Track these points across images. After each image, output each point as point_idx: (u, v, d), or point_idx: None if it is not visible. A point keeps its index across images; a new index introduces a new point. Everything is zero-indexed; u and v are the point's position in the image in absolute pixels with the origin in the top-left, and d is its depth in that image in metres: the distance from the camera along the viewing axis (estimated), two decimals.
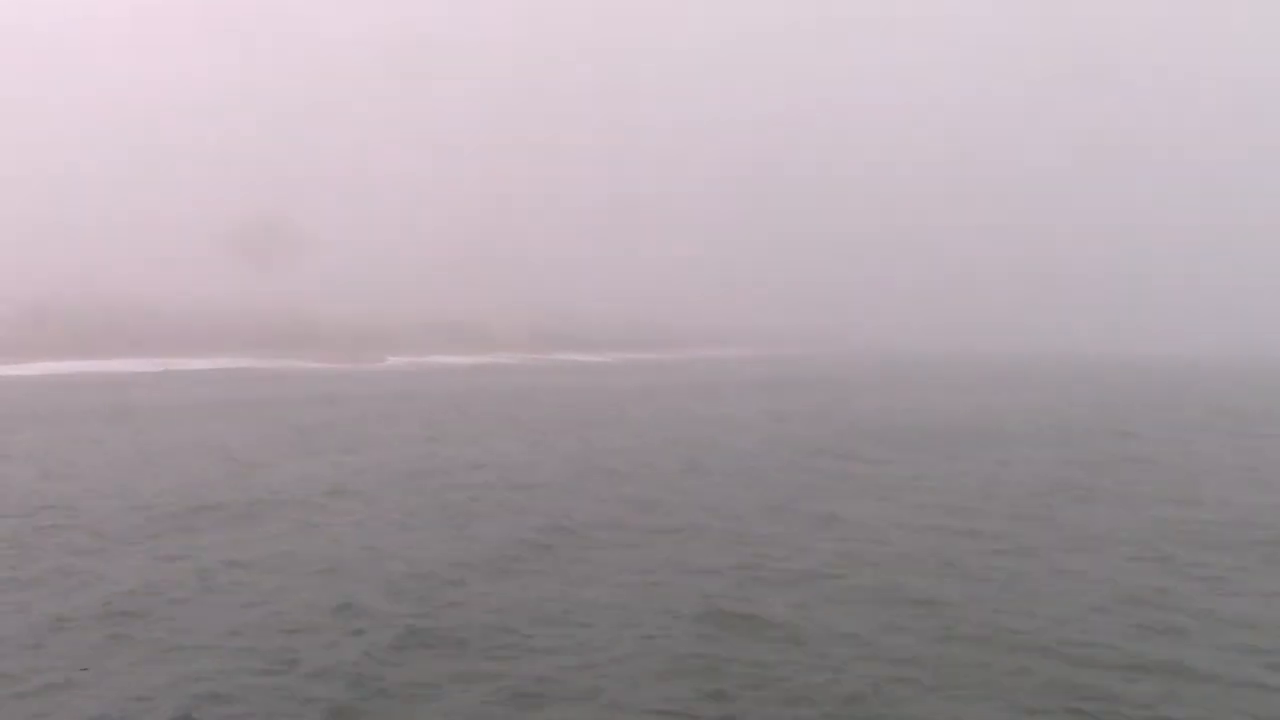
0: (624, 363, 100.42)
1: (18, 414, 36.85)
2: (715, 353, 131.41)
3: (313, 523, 17.24)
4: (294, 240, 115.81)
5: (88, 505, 18.46)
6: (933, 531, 17.05)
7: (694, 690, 9.72)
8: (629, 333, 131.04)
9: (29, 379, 58.41)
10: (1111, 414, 43.11)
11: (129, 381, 57.98)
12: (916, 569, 14.35)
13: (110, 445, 27.57)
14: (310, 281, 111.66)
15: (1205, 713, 9.34)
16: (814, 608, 12.38)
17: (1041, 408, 46.31)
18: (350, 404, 43.35)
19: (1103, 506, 19.69)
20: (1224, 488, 22.34)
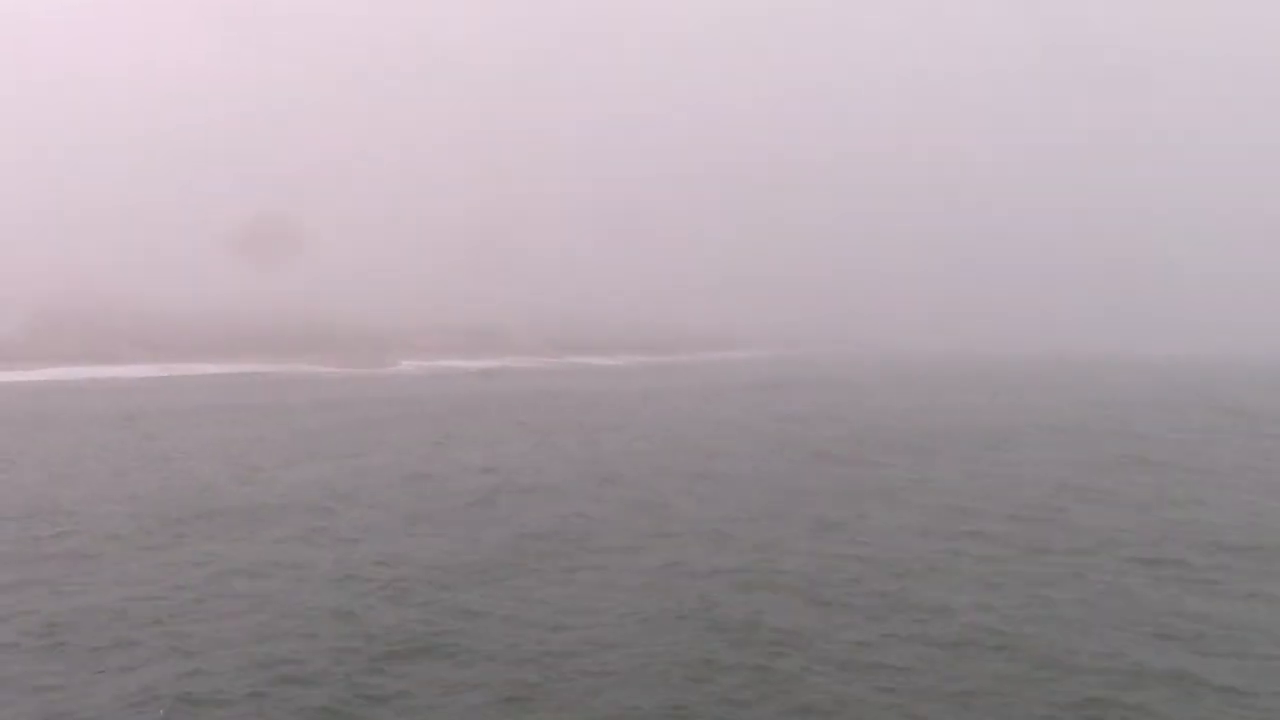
0: (635, 366, 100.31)
1: (24, 419, 36.99)
2: (724, 355, 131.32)
3: (317, 527, 17.24)
4: (301, 241, 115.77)
5: (93, 510, 18.51)
6: (938, 534, 16.95)
7: (696, 692, 9.67)
8: (640, 335, 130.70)
9: (35, 384, 58.64)
10: (1117, 415, 42.87)
11: (135, 386, 58.17)
12: (920, 573, 14.25)
13: (116, 450, 27.65)
14: (318, 283, 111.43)
15: None
16: (816, 611, 12.30)
17: (1045, 409, 46.06)
18: (359, 408, 43.41)
19: (1110, 509, 19.55)
20: (1230, 490, 22.19)
